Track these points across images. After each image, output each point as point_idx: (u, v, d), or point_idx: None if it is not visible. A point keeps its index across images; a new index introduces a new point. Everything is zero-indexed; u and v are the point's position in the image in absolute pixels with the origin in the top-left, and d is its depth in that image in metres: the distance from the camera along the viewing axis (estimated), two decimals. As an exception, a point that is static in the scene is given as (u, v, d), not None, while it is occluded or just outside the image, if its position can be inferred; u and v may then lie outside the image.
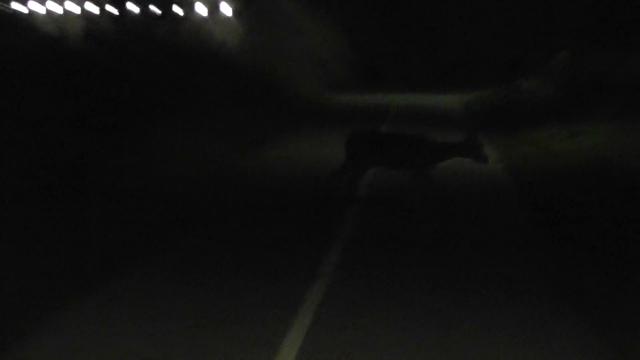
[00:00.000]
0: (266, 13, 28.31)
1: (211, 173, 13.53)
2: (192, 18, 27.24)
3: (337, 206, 11.36)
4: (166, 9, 27.89)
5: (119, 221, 10.19)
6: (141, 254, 9.07)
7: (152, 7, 28.40)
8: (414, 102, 28.45)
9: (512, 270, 8.54)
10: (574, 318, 7.19)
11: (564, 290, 7.90)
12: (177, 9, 28.41)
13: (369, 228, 10.28)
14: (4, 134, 11.97)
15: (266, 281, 8.10)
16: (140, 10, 28.44)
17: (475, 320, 7.16)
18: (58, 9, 29.00)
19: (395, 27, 39.45)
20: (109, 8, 27.90)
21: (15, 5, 27.13)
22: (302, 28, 29.78)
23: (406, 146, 11.90)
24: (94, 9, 28.45)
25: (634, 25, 20.35)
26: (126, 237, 9.63)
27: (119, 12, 28.01)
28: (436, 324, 7.09)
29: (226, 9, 28.47)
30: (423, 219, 10.75)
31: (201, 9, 28.66)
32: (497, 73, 31.73)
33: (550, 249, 9.40)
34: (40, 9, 28.84)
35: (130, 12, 28.24)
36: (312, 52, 29.81)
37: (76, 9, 28.81)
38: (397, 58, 38.68)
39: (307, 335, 6.79)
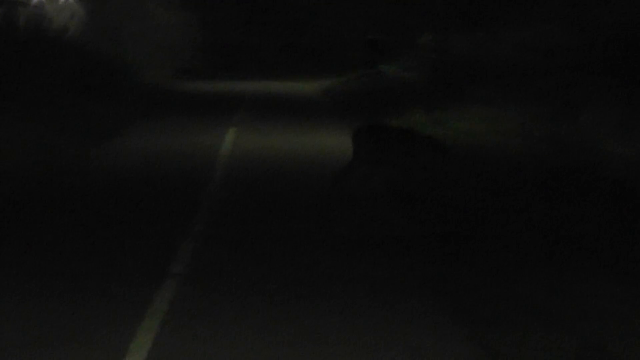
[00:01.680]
0: (112, -4, 27.69)
1: (45, 169, 12.54)
2: (31, 2, 26.29)
3: (186, 204, 10.63)
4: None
5: None
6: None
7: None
8: (270, 89, 28.72)
9: (379, 271, 7.93)
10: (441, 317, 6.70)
11: (434, 290, 7.46)
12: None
13: (222, 229, 9.56)
14: None
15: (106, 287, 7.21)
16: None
17: (334, 325, 6.46)
18: None
19: (252, 12, 39.51)
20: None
21: None
22: (150, 12, 29.45)
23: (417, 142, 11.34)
24: None
25: (500, 7, 20.46)
26: None
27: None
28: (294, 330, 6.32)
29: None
30: (285, 214, 10.11)
31: (42, -7, 27.58)
32: (359, 57, 32.01)
33: (417, 242, 8.99)
34: None
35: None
36: (162, 37, 29.49)
37: None
38: (253, 44, 38.77)
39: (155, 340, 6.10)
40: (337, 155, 13.07)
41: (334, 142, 15.30)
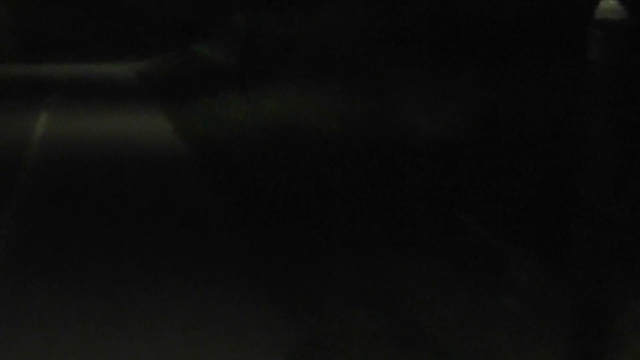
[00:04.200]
0: None
1: None
2: None
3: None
4: None
5: None
6: None
7: None
8: (84, 72, 28.03)
9: (208, 252, 7.95)
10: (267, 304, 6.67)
11: (252, 270, 7.49)
12: None
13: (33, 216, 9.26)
14: None
15: None
16: None
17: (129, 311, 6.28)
18: None
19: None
20: None
21: None
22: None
23: None
24: None
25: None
26: None
27: None
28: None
29: None
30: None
31: None
32: (172, 39, 31.65)
33: (240, 227, 8.94)
34: None
35: None
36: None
37: None
38: (64, 26, 37.82)
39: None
40: (153, 138, 12.96)
41: (149, 126, 15.16)
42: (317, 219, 8.96)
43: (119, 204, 9.82)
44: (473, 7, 12.95)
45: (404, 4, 16.31)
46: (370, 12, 17.74)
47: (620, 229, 5.18)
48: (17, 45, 33.89)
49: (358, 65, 16.34)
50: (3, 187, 10.54)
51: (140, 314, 6.37)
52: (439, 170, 10.18)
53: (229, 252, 8.02)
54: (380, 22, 17.04)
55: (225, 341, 5.91)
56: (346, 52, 17.27)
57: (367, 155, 11.51)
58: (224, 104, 16.76)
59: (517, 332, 5.82)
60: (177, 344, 5.85)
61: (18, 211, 9.45)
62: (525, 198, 8.28)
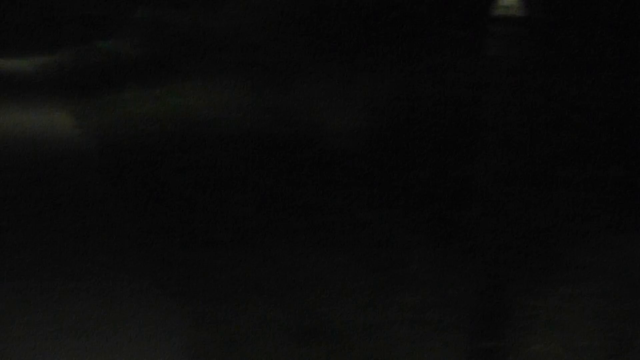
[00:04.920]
0: None
1: None
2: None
3: None
4: None
5: None
6: None
7: None
8: None
9: (103, 249, 7.85)
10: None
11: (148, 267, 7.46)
12: None
13: None
14: None
15: None
16: None
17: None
18: None
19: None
20: None
21: None
22: None
23: None
24: None
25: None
26: None
27: None
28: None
29: None
30: None
31: None
32: (76, 34, 31.32)
33: (135, 222, 8.90)
34: None
35: None
36: None
37: None
38: None
39: None
40: (53, 134, 12.80)
41: (49, 122, 15.00)
42: (217, 212, 8.95)
43: (8, 198, 9.73)
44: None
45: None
46: (275, 4, 17.81)
47: (519, 225, 5.24)
48: None
49: (263, 59, 16.37)
50: None
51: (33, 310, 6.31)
52: (341, 163, 10.23)
53: (125, 248, 7.97)
54: (285, 15, 17.12)
55: (126, 341, 5.85)
56: (251, 45, 17.30)
57: (270, 149, 11.53)
58: (127, 100, 16.64)
59: (416, 326, 5.87)
60: (76, 346, 5.78)
61: None
62: (427, 191, 8.37)
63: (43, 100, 18.68)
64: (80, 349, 5.67)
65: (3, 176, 10.89)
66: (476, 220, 4.88)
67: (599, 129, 8.50)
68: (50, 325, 6.07)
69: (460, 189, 7.90)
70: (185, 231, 8.38)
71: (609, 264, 6.71)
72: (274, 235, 8.09)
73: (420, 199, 8.28)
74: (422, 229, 7.69)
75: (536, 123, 8.11)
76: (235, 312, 6.29)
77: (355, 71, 12.59)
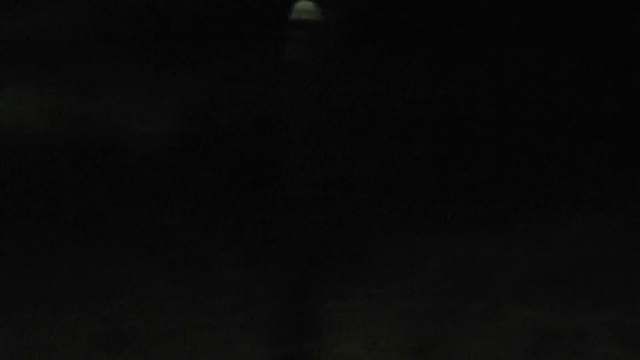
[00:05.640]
0: None
1: None
2: None
3: None
4: None
5: None
6: None
7: None
8: None
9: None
10: None
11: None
12: None
13: None
14: None
15: None
16: None
17: None
18: None
19: None
20: None
21: None
22: None
23: None
24: None
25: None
26: None
27: None
28: None
29: None
30: None
31: None
32: None
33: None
34: None
35: None
36: None
37: None
38: None
39: None
40: None
41: None
42: (16, 220, 8.78)
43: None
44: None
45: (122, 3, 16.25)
46: (86, 11, 17.56)
47: (325, 227, 5.30)
48: None
49: (71, 64, 16.11)
50: None
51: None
52: (146, 167, 10.20)
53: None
54: (96, 21, 16.90)
55: None
56: (60, 50, 16.99)
57: (78, 155, 11.38)
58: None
59: (223, 331, 5.89)
60: None
61: None
62: (233, 195, 8.42)
63: None
64: None
65: None
66: (282, 223, 4.91)
67: (401, 130, 8.70)
68: None
69: (266, 193, 7.98)
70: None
71: (414, 265, 6.89)
72: (77, 243, 8.02)
73: (226, 202, 8.33)
74: (229, 233, 7.74)
75: (338, 126, 8.23)
76: (38, 319, 6.23)
77: (155, 76, 12.55)
